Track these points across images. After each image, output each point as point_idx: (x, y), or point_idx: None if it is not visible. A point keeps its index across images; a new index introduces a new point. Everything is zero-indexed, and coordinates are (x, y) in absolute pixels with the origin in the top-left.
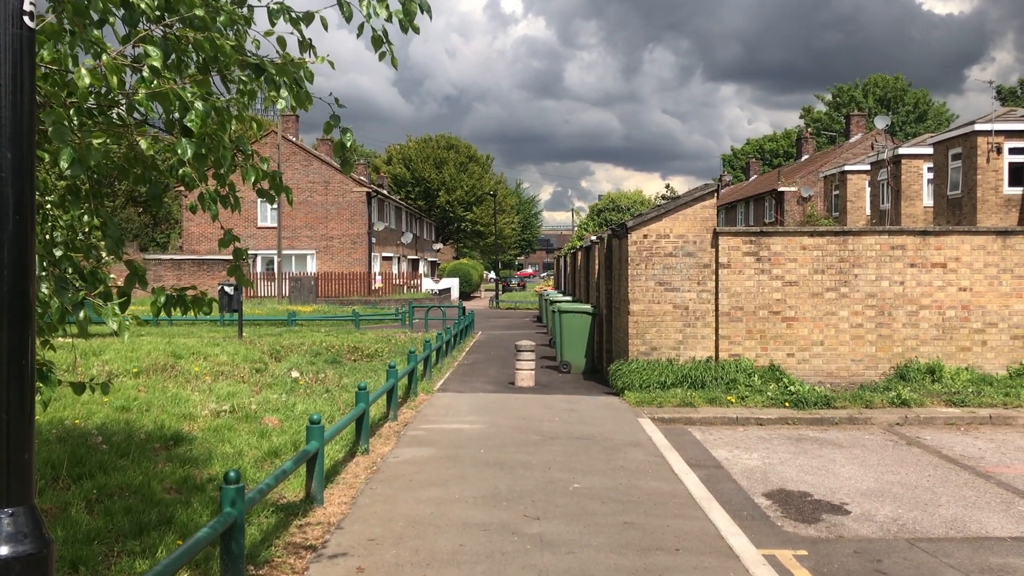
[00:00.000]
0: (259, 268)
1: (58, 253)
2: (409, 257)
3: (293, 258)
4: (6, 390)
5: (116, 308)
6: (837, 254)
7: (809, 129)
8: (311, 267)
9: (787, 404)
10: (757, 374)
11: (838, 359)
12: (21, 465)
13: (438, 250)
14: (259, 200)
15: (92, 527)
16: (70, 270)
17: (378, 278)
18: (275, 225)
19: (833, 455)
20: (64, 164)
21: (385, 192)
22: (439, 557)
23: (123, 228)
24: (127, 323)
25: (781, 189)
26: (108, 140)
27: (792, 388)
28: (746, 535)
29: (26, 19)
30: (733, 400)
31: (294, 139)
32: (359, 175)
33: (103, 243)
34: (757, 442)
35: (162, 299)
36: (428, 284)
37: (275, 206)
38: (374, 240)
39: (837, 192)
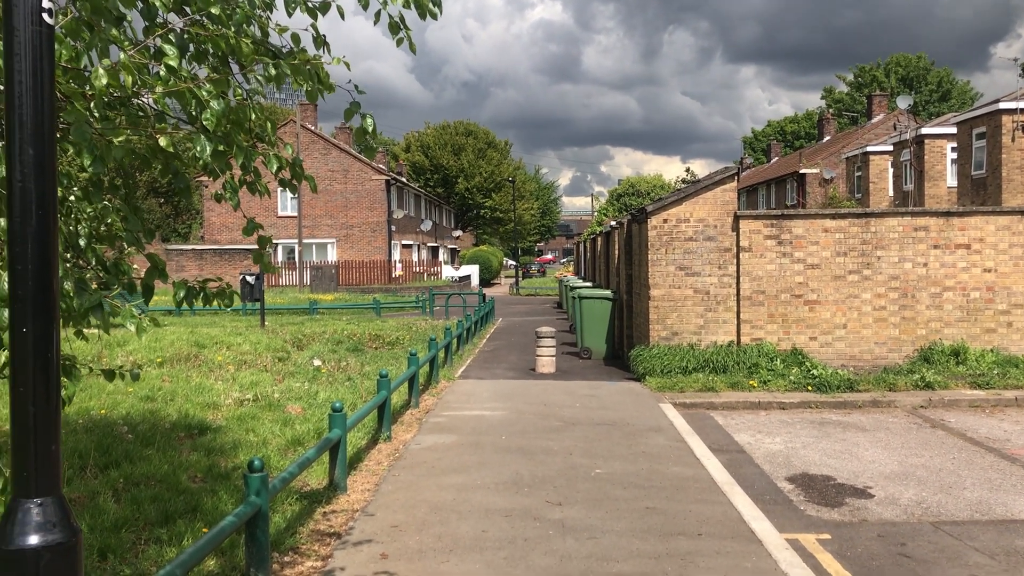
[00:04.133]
0: (280, 257)
1: (82, 243)
2: (429, 244)
3: (314, 247)
4: (32, 382)
5: (134, 310)
6: (859, 236)
7: (830, 110)
8: (331, 256)
9: (810, 388)
10: (779, 358)
11: (861, 342)
12: (48, 456)
13: (457, 237)
14: (280, 189)
15: (120, 515)
16: (93, 261)
17: (398, 266)
18: (295, 214)
19: (856, 439)
20: (86, 162)
21: (404, 180)
22: (462, 543)
23: (143, 218)
24: (145, 325)
25: (803, 171)
26: (129, 134)
27: (815, 372)
28: (769, 519)
29: (45, 16)
30: (755, 384)
31: (312, 128)
32: (378, 163)
33: (124, 234)
34: (780, 426)
35: (182, 292)
36: (448, 271)
37: (294, 196)
38: (394, 228)
39: (859, 173)
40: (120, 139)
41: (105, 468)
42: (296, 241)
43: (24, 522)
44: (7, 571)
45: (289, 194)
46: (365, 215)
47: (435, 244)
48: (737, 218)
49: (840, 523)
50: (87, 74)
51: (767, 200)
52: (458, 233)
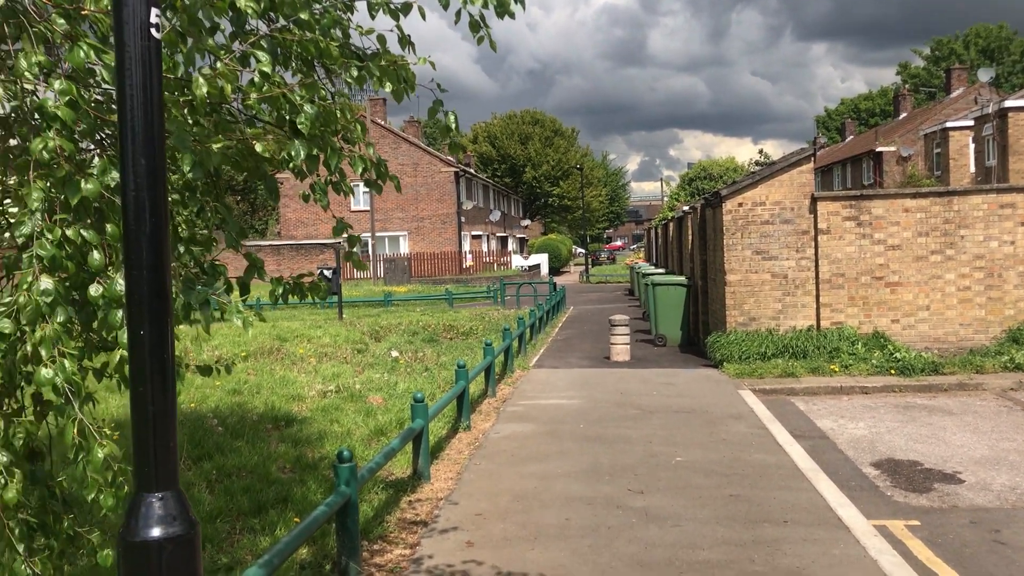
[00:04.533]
0: (344, 259)
1: (181, 248)
2: (498, 234)
3: (386, 240)
4: (150, 383)
5: (239, 306)
6: (942, 215)
7: (907, 86)
8: (403, 248)
9: (893, 371)
10: (860, 342)
11: (945, 324)
12: (167, 452)
13: (526, 226)
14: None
15: (214, 506)
16: (191, 263)
17: (468, 257)
18: (368, 208)
19: (943, 423)
20: (186, 168)
21: (472, 171)
22: (546, 531)
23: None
24: (250, 320)
25: (879, 149)
26: (225, 140)
27: (898, 355)
28: (855, 506)
29: (153, 31)
30: (836, 369)
31: (382, 122)
32: (445, 155)
33: (225, 236)
34: (863, 411)
35: (280, 289)
36: (517, 261)
37: (379, 194)
38: (463, 219)
39: (939, 150)
40: (219, 145)
41: (198, 460)
42: (370, 235)
43: (147, 515)
44: (132, 562)
45: (362, 188)
46: (435, 207)
47: (504, 234)
48: (814, 200)
49: (929, 509)
50: (183, 82)
51: (842, 180)
52: (526, 222)
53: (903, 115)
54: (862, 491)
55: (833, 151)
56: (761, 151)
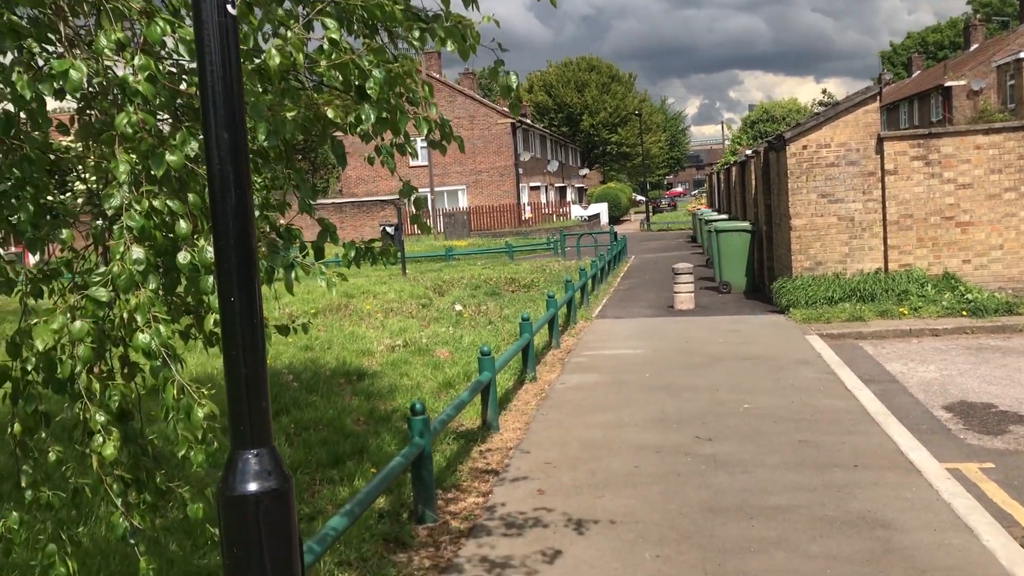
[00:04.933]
0: (410, 222)
1: (256, 214)
2: (556, 185)
3: (445, 194)
4: (242, 346)
5: (322, 268)
6: (1016, 151)
7: (978, 15)
8: (462, 202)
9: (964, 313)
10: (930, 283)
11: (1020, 262)
12: (260, 411)
13: (584, 176)
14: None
15: (294, 459)
16: (268, 228)
17: (527, 209)
18: (426, 164)
19: (1019, 363)
20: (261, 137)
21: (528, 121)
22: (615, 479)
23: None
24: (333, 281)
25: (948, 84)
26: (298, 107)
27: (969, 296)
28: (927, 449)
29: (228, 7)
30: (905, 312)
31: (437, 76)
32: (501, 106)
33: (299, 201)
34: (933, 354)
35: (352, 253)
36: (576, 211)
37: (423, 146)
38: (521, 171)
39: (1012, 82)
40: (292, 114)
41: (276, 415)
42: (428, 190)
43: (244, 471)
44: (231, 516)
45: (420, 144)
46: (492, 160)
47: (562, 184)
48: (880, 140)
49: (1004, 451)
50: (252, 52)
51: (909, 118)
52: (585, 171)
53: (974, 47)
54: (934, 434)
55: (899, 87)
56: (824, 90)
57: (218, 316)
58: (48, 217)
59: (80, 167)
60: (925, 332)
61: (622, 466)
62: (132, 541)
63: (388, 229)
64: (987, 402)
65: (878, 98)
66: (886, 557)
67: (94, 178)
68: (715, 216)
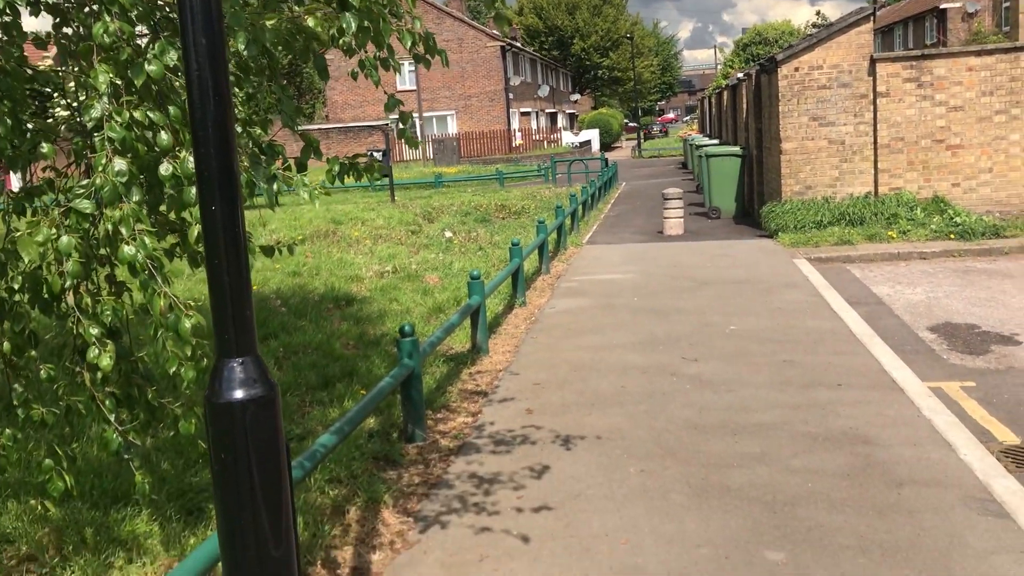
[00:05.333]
0: (397, 137)
1: (239, 129)
2: (547, 111)
3: (434, 120)
4: (224, 256)
5: (304, 179)
6: (1008, 73)
7: None
8: (452, 128)
9: (952, 236)
10: (919, 207)
11: (1008, 186)
12: (244, 320)
13: (575, 101)
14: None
15: (284, 381)
16: (250, 144)
17: (517, 135)
18: (414, 88)
19: (1003, 286)
20: (241, 46)
21: (519, 45)
22: (602, 398)
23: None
24: (316, 192)
25: (943, 6)
26: (276, 16)
27: (957, 219)
28: (910, 368)
29: None
30: (894, 235)
31: None
32: (490, 29)
33: (281, 116)
34: (920, 276)
35: (336, 167)
36: (567, 137)
37: (412, 70)
38: (511, 96)
39: (1007, 4)
40: (271, 22)
41: (264, 339)
42: (417, 115)
43: (229, 379)
44: (218, 422)
45: (407, 67)
46: (482, 84)
47: (553, 110)
48: (873, 62)
49: (985, 371)
50: None
51: (903, 40)
52: (576, 97)
53: None
54: (917, 354)
55: (894, 10)
56: (818, 12)
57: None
58: (28, 135)
59: (59, 92)
60: (913, 255)
61: (609, 386)
62: (127, 456)
63: (376, 155)
64: (971, 323)
65: (872, 19)
66: (866, 471)
67: (74, 98)
68: (706, 141)
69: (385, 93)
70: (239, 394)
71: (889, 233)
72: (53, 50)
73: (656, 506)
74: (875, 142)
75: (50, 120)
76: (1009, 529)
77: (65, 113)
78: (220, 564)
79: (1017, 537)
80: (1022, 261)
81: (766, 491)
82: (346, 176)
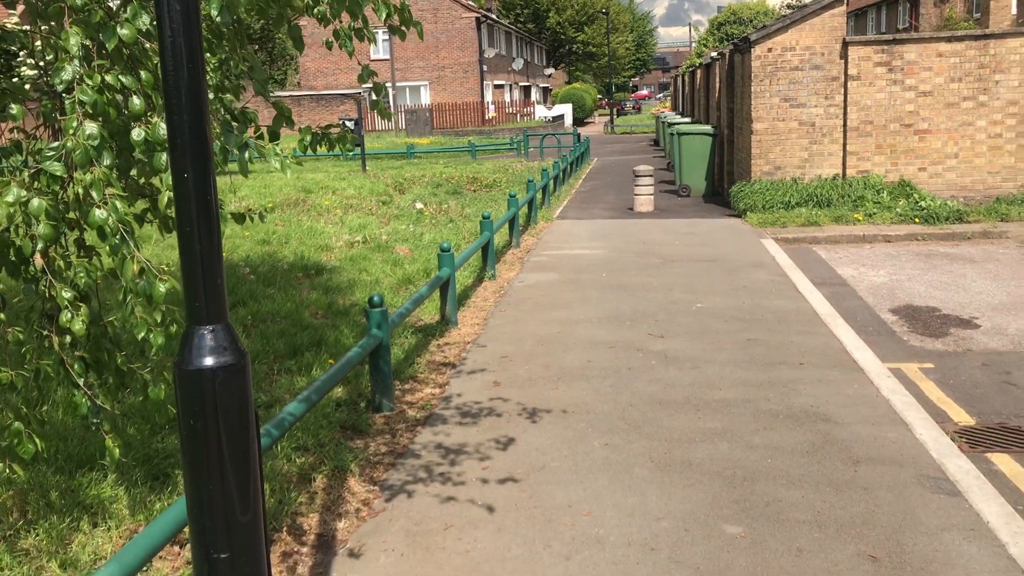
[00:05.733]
0: (370, 108)
1: (211, 95)
2: (521, 84)
3: (407, 90)
4: (196, 224)
5: (276, 149)
6: (977, 60)
7: None
8: (425, 99)
9: (917, 220)
10: (886, 190)
11: (973, 172)
12: (215, 288)
13: (550, 75)
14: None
15: (252, 349)
16: (222, 111)
17: (491, 107)
18: (388, 57)
19: (964, 270)
20: (214, 12)
21: (494, 17)
22: (569, 372)
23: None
24: (287, 161)
25: None
26: None
27: (923, 203)
28: (871, 349)
29: None
30: (860, 218)
31: None
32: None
33: (254, 84)
34: (884, 259)
35: (308, 137)
36: (541, 111)
37: (386, 39)
38: (485, 68)
39: None
40: None
41: (233, 306)
42: (390, 84)
43: (199, 346)
44: (188, 389)
45: (381, 36)
46: (456, 55)
47: (527, 83)
48: (846, 45)
49: (944, 353)
50: None
51: (876, 24)
52: (550, 71)
53: None
54: (879, 336)
55: None
56: None
57: (172, 194)
58: None
59: (26, 51)
60: (878, 238)
61: (576, 360)
62: (96, 421)
63: (348, 123)
64: (931, 306)
65: (845, 1)
66: (824, 448)
67: (41, 58)
68: (678, 119)
69: (359, 63)
70: (209, 361)
71: (855, 215)
72: (21, 7)
73: (619, 479)
74: (845, 125)
75: (16, 80)
76: (960, 507)
77: (32, 73)
78: (187, 528)
79: (968, 515)
80: (983, 246)
81: (727, 466)
82: (319, 146)
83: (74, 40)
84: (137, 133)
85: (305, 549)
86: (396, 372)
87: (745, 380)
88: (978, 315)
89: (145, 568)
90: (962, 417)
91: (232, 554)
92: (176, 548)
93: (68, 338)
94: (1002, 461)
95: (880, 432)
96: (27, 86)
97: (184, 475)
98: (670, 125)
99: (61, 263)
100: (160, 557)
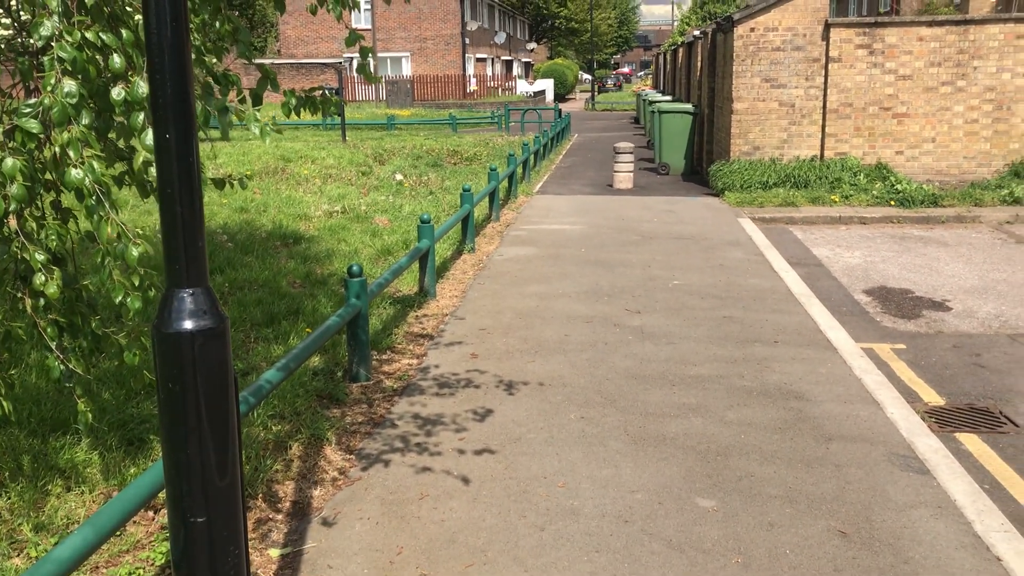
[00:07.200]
0: (355, 72)
1: (193, 56)
2: (503, 58)
3: (388, 61)
4: (177, 186)
5: (256, 114)
6: (956, 45)
7: None
8: (406, 70)
9: (892, 203)
10: (863, 173)
11: (949, 156)
12: (196, 252)
13: (532, 50)
14: None
15: (229, 316)
16: (204, 73)
17: (473, 81)
18: (369, 27)
19: (937, 253)
20: None
21: None
22: (546, 345)
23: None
24: (267, 128)
25: None
26: None
27: (899, 187)
28: (845, 329)
29: None
30: (837, 199)
31: None
32: None
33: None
34: (860, 241)
35: (293, 101)
36: (522, 86)
37: (367, 8)
38: (468, 41)
39: None
40: None
41: (211, 274)
42: (371, 55)
43: (179, 309)
44: (167, 352)
45: (363, 3)
46: (438, 27)
47: (509, 58)
48: (828, 26)
49: (916, 334)
50: None
51: (858, 7)
52: (532, 46)
53: None
54: (852, 316)
55: None
56: None
57: (149, 156)
58: None
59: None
60: (854, 220)
61: (553, 334)
62: (69, 384)
63: (328, 92)
64: (905, 288)
65: None
66: (796, 425)
67: (16, 17)
68: (659, 97)
69: (347, 28)
70: (189, 325)
71: (832, 197)
72: None
73: (594, 452)
74: (824, 106)
75: None
76: (929, 485)
77: (7, 33)
78: (162, 493)
79: (936, 493)
80: (957, 230)
81: (701, 441)
82: (301, 110)
83: None
84: (117, 92)
85: (280, 516)
86: (374, 342)
87: (720, 356)
88: (950, 298)
89: (119, 533)
90: (932, 397)
91: (209, 518)
92: (150, 513)
93: (42, 301)
94: (970, 441)
95: (852, 410)
96: (2, 45)
97: (162, 438)
98: (651, 103)
99: (34, 225)
100: (134, 522)
